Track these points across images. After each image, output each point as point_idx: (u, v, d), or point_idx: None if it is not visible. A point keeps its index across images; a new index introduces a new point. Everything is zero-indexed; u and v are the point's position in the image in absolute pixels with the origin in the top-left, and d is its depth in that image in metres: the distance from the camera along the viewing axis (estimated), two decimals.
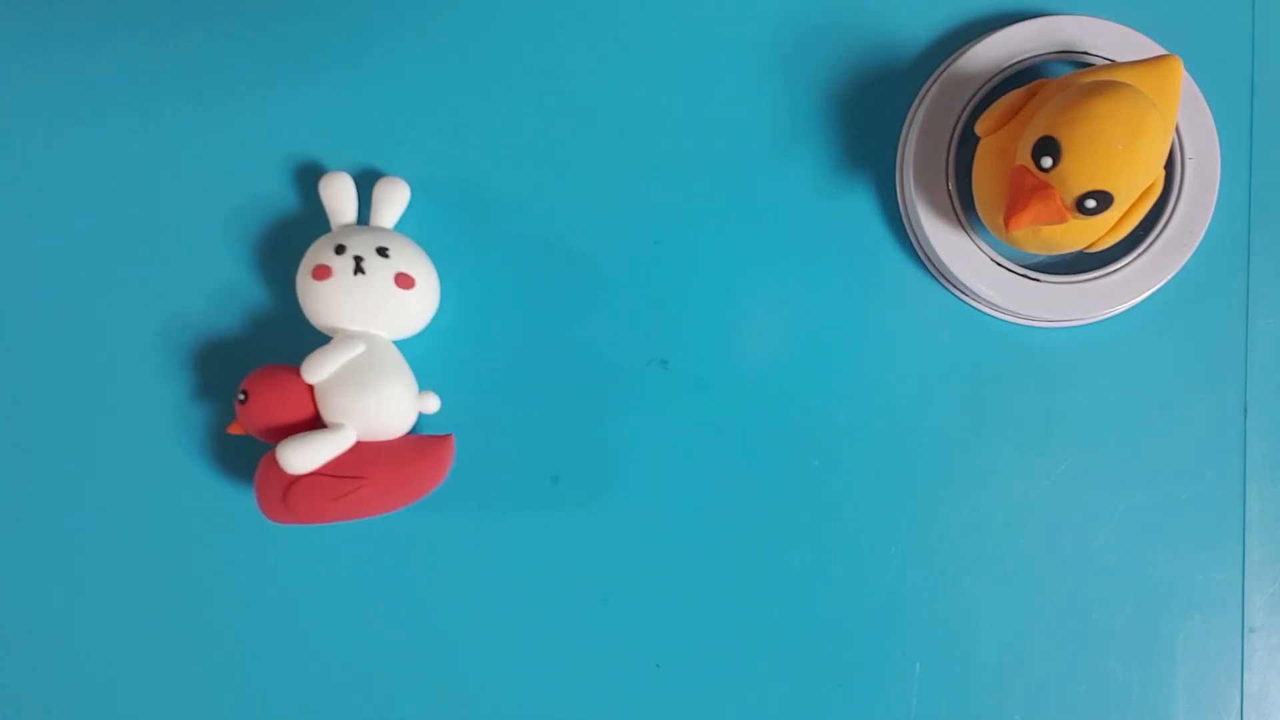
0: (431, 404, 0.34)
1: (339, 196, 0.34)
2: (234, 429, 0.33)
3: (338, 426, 0.32)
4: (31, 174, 0.36)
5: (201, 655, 0.35)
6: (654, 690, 0.35)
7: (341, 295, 0.32)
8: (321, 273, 0.32)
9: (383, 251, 0.33)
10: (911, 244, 0.36)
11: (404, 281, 0.33)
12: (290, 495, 0.31)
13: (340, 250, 0.33)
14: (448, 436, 0.34)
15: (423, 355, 0.35)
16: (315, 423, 0.32)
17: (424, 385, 0.35)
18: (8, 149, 0.36)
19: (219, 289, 0.36)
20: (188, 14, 0.36)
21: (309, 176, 0.36)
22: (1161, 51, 0.34)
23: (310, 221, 0.36)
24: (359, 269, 0.32)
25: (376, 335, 0.33)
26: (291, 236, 0.36)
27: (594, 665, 0.35)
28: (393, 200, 0.34)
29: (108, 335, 0.36)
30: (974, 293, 0.35)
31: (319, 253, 0.33)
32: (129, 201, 0.36)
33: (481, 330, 0.36)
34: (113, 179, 0.36)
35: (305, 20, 0.36)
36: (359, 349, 0.32)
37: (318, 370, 0.32)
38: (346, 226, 0.34)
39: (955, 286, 0.36)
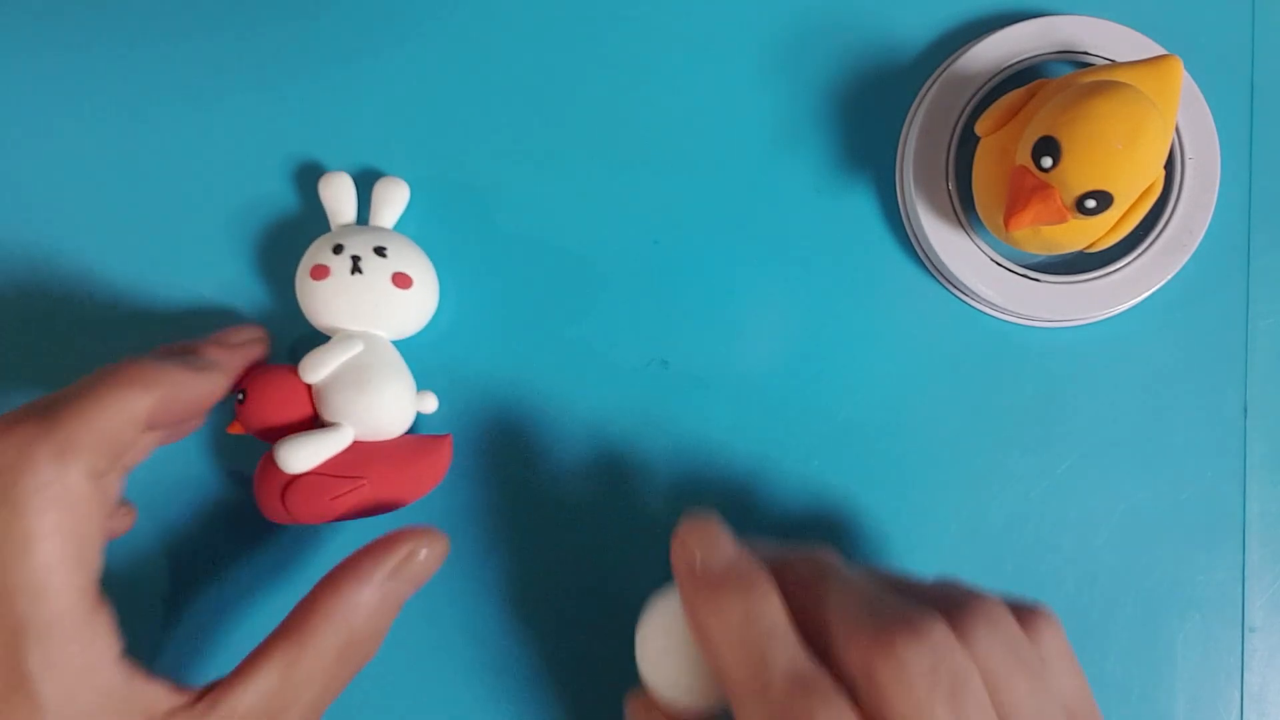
0: (430, 404, 0.34)
1: (338, 196, 0.34)
2: (234, 429, 0.33)
3: (336, 426, 0.32)
4: (31, 174, 0.36)
5: (202, 655, 0.35)
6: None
7: (339, 295, 0.32)
8: (319, 272, 0.32)
9: (380, 251, 0.33)
10: (911, 244, 0.36)
11: (402, 281, 0.33)
12: (288, 495, 0.31)
13: (338, 250, 0.33)
14: (446, 436, 0.34)
15: (421, 355, 0.35)
16: (314, 422, 0.32)
17: (421, 385, 0.35)
18: (7, 148, 0.36)
19: (219, 289, 0.36)
20: (187, 13, 0.36)
21: (308, 176, 0.36)
22: (1161, 51, 0.34)
23: (311, 222, 0.36)
24: (356, 268, 0.32)
25: (375, 335, 0.33)
26: (292, 237, 0.36)
27: (594, 665, 0.35)
28: (392, 200, 0.34)
29: (109, 335, 0.36)
30: (974, 293, 0.35)
31: (317, 252, 0.33)
32: (128, 201, 0.36)
33: (480, 330, 0.36)
34: (112, 179, 0.36)
35: (304, 21, 0.36)
36: (357, 349, 0.32)
37: (316, 370, 0.32)
38: (345, 226, 0.34)
39: (955, 286, 0.36)
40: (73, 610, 0.24)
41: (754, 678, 0.24)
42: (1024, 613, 0.27)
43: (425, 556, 0.29)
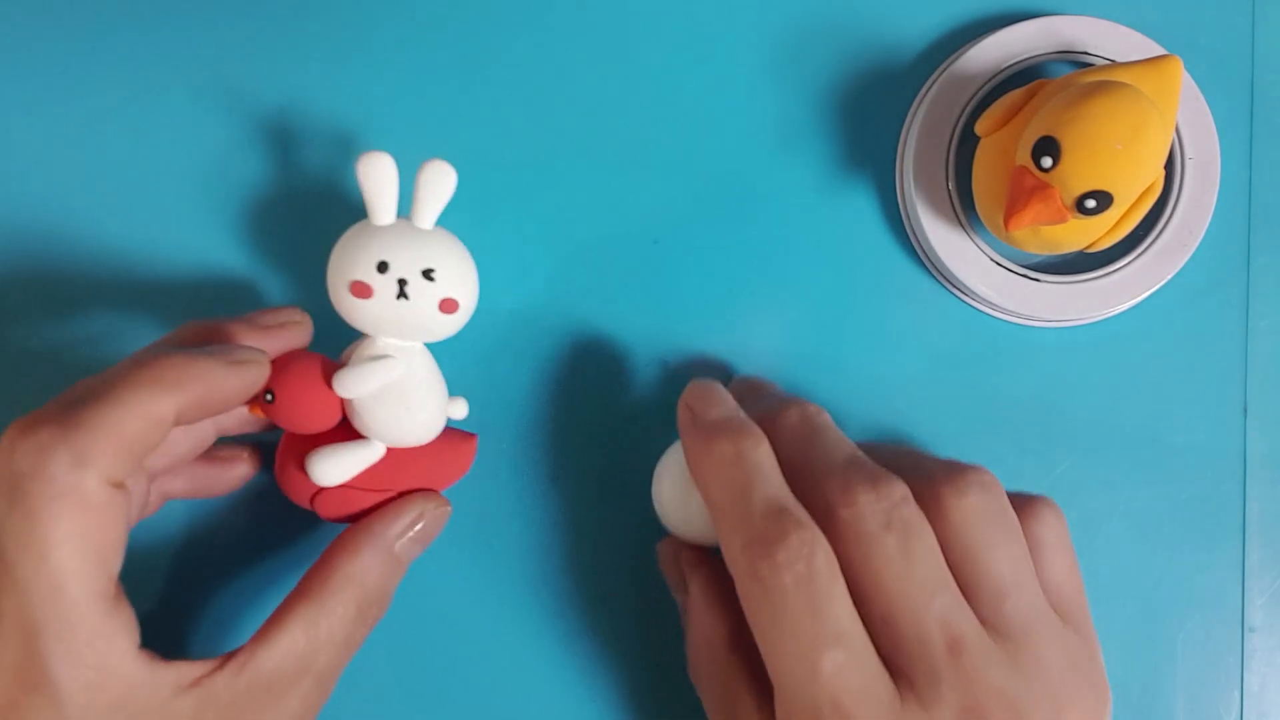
0: (460, 410, 0.33)
1: (381, 187, 0.30)
2: (255, 410, 0.31)
3: (368, 441, 0.31)
4: (33, 168, 0.36)
5: (221, 643, 0.35)
6: (656, 692, 0.35)
7: (380, 314, 0.30)
8: (361, 290, 0.30)
9: (429, 274, 0.30)
10: (911, 244, 0.36)
11: (448, 307, 0.31)
12: (317, 503, 0.31)
13: (383, 268, 0.30)
14: (472, 436, 0.33)
15: None
16: (343, 428, 0.31)
17: None
18: (7, 146, 0.36)
19: (226, 283, 0.36)
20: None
21: (310, 166, 0.36)
22: (1161, 51, 0.34)
23: (318, 216, 0.35)
24: (402, 294, 0.30)
25: (412, 346, 0.31)
26: (302, 231, 0.36)
27: (595, 664, 0.35)
28: (438, 192, 0.31)
29: (114, 336, 0.36)
30: (974, 293, 0.35)
31: (356, 264, 0.30)
32: (135, 193, 0.36)
33: (477, 331, 0.36)
34: (118, 169, 0.36)
35: (303, 19, 0.36)
36: (400, 370, 0.31)
37: (355, 388, 0.30)
38: (388, 233, 0.30)
39: (955, 286, 0.36)
40: (90, 612, 0.25)
41: (737, 507, 0.26)
42: (1025, 499, 0.29)
43: (431, 520, 0.32)
